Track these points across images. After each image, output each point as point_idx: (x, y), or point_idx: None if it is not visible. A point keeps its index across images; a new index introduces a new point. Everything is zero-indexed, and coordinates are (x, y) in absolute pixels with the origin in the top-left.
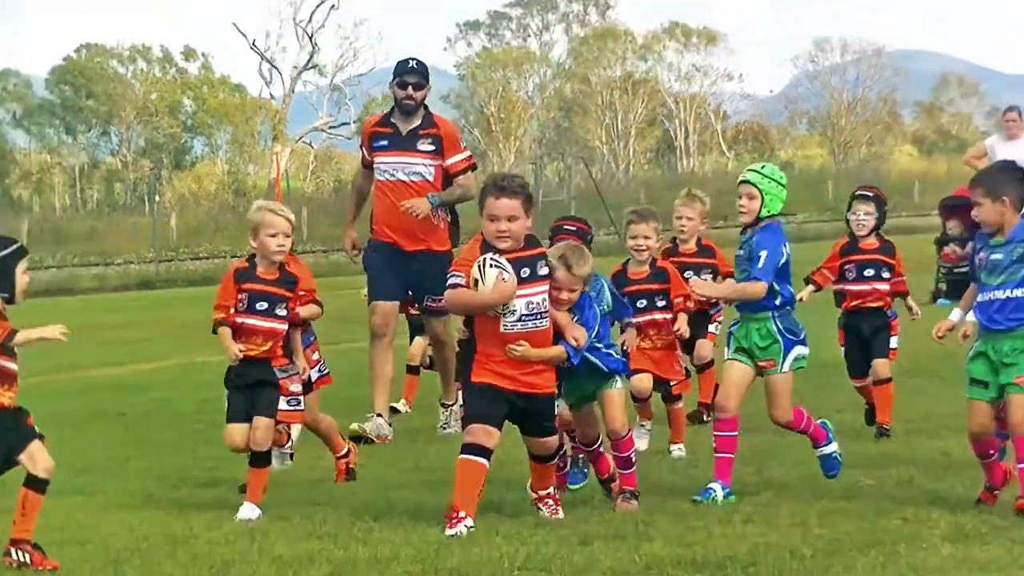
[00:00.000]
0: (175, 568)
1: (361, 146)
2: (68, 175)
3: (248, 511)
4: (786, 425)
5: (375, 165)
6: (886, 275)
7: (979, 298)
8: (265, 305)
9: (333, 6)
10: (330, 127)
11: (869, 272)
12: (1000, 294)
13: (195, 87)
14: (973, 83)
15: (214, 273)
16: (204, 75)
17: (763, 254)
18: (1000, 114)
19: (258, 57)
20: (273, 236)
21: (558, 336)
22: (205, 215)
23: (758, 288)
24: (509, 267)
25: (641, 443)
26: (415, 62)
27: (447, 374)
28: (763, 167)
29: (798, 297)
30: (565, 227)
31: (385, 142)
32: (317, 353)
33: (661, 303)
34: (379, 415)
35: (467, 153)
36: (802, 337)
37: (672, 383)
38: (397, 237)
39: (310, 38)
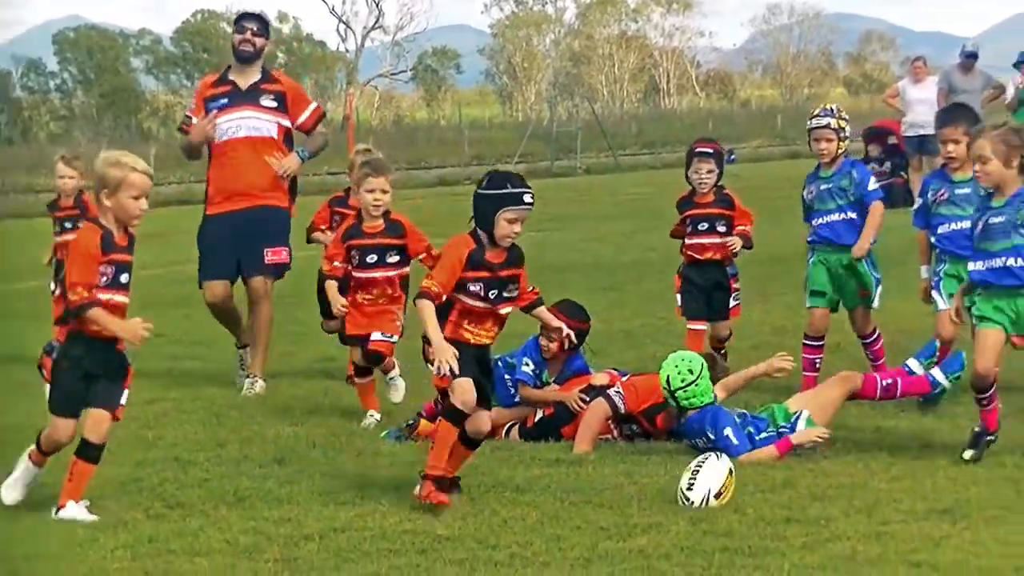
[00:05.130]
0: None
1: (188, 114)
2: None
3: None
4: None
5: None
6: (721, 229)
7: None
8: (127, 277)
9: None
10: (392, 74)
11: (703, 226)
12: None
13: (287, 43)
14: (890, 38)
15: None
16: (294, 33)
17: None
18: (910, 62)
19: (336, 20)
20: (136, 199)
21: None
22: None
23: None
24: None
25: (395, 395)
26: (256, 11)
27: (258, 342)
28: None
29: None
30: None
31: (225, 100)
32: None
33: (393, 259)
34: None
35: (315, 104)
36: None
37: (379, 338)
38: (235, 202)
39: (376, 4)
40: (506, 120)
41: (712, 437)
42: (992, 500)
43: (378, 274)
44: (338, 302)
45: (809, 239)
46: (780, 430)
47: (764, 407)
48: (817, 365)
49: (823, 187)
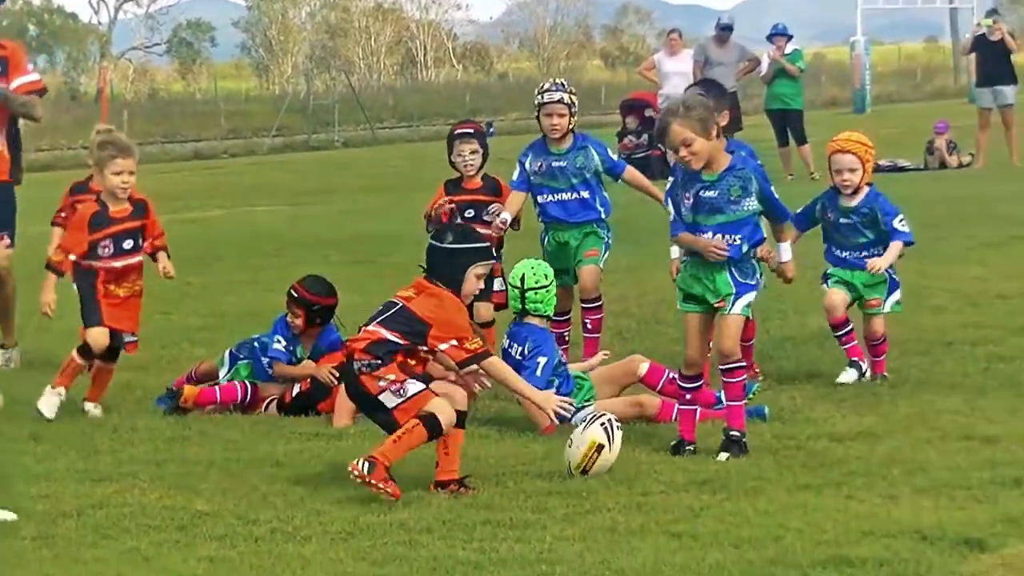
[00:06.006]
0: None
1: None
2: None
3: None
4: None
5: None
6: (489, 218)
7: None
8: None
9: None
10: (146, 47)
11: (470, 214)
12: None
13: (38, 15)
14: (647, 11)
15: (54, 161)
16: (45, 5)
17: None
18: (666, 35)
19: None
20: None
21: None
22: (47, 117)
23: None
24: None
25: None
26: None
27: (5, 314)
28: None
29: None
30: None
31: None
32: None
33: (144, 242)
34: None
35: (35, 76)
36: None
37: (131, 339)
38: None
39: None
40: (263, 93)
41: (525, 355)
42: (751, 471)
43: (134, 260)
44: (49, 302)
45: (541, 218)
46: None
47: (584, 376)
48: (566, 337)
49: (555, 164)
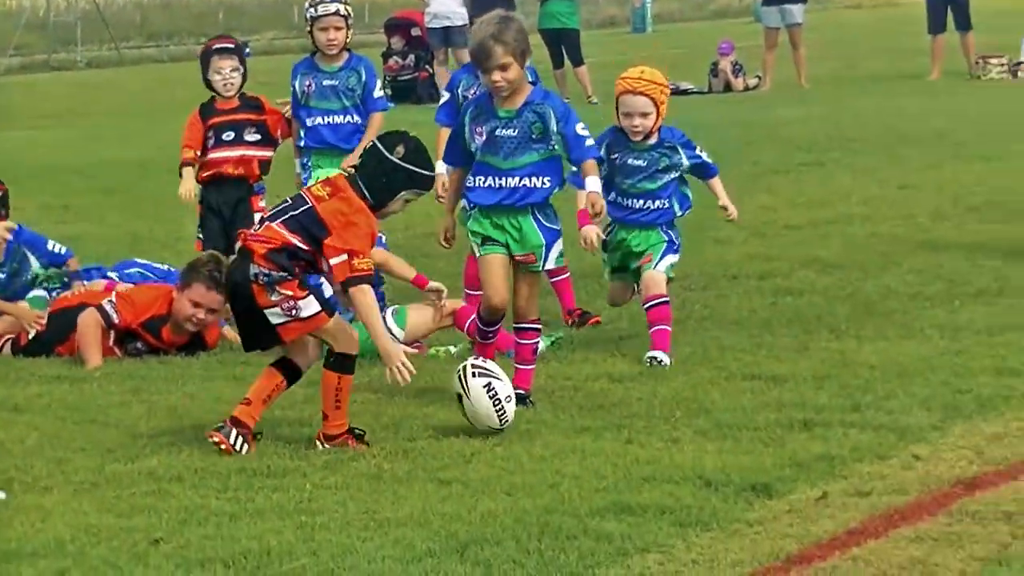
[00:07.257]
0: None
1: None
2: None
3: None
4: None
5: None
6: (251, 138)
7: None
8: None
9: None
10: None
11: (228, 136)
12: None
13: None
14: None
15: None
16: None
17: None
18: None
19: None
20: None
21: None
22: None
23: None
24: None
25: None
26: None
27: None
28: None
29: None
30: None
31: None
32: None
33: None
34: None
35: None
36: None
37: None
38: None
39: None
40: None
41: None
42: (525, 414)
43: None
44: None
45: (300, 142)
46: None
47: (400, 308)
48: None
49: (326, 82)
